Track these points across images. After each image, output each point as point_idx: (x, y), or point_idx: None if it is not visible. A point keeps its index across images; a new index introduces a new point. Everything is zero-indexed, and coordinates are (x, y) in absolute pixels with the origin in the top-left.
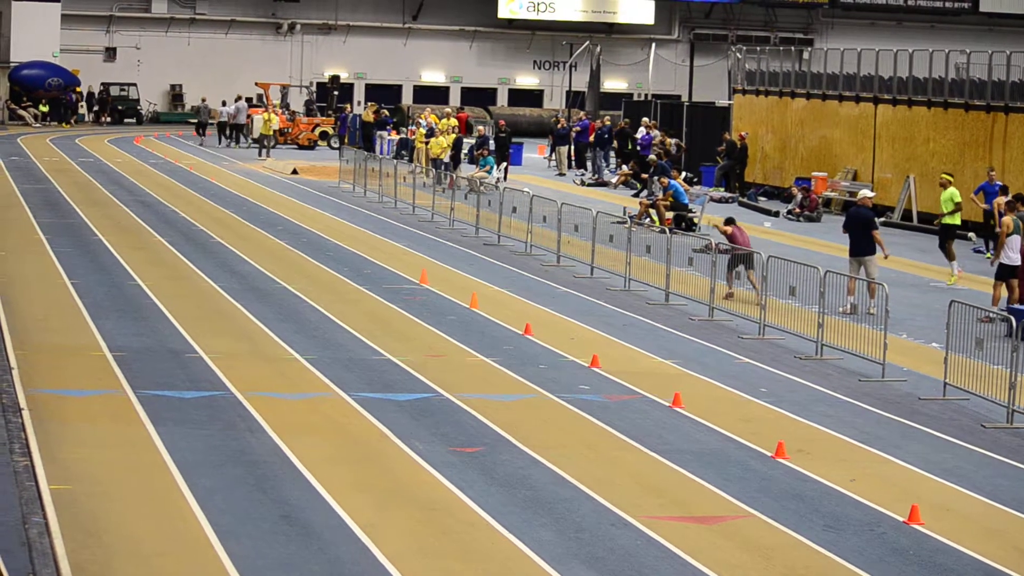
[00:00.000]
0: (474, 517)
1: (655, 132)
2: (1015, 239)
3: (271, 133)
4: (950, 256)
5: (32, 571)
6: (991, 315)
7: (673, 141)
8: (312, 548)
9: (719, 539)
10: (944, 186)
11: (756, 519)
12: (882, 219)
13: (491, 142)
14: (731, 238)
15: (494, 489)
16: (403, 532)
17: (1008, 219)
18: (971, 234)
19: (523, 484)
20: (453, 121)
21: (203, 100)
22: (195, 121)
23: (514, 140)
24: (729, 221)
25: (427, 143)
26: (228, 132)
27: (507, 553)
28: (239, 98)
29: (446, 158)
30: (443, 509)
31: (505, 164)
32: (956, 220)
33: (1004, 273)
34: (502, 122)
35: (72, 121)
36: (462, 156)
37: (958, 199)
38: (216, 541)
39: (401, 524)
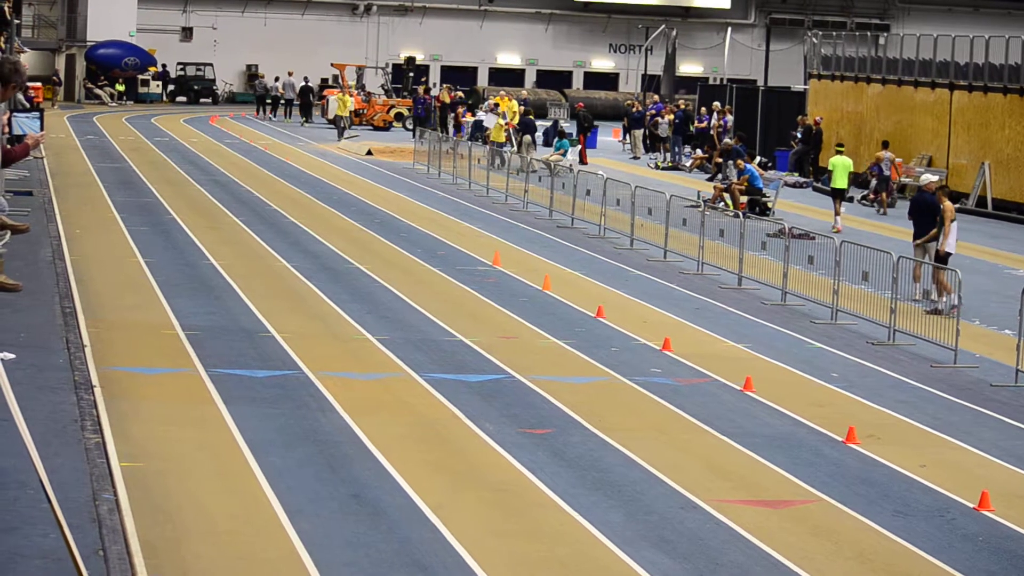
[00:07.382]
0: (544, 498)
1: (729, 117)
2: None
3: (347, 114)
4: (837, 211)
5: (102, 548)
6: None
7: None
8: (381, 528)
9: (788, 523)
10: (838, 154)
11: (825, 503)
12: (957, 205)
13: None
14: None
15: (564, 471)
16: (473, 513)
17: None
18: None
19: (593, 466)
20: (516, 103)
21: (261, 77)
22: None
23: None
24: None
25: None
26: (287, 109)
27: (576, 535)
28: (291, 74)
29: (503, 139)
30: (513, 490)
31: (580, 148)
32: (844, 184)
33: None
34: (580, 104)
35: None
36: (537, 139)
37: (851, 168)
38: (286, 520)
39: (471, 505)
